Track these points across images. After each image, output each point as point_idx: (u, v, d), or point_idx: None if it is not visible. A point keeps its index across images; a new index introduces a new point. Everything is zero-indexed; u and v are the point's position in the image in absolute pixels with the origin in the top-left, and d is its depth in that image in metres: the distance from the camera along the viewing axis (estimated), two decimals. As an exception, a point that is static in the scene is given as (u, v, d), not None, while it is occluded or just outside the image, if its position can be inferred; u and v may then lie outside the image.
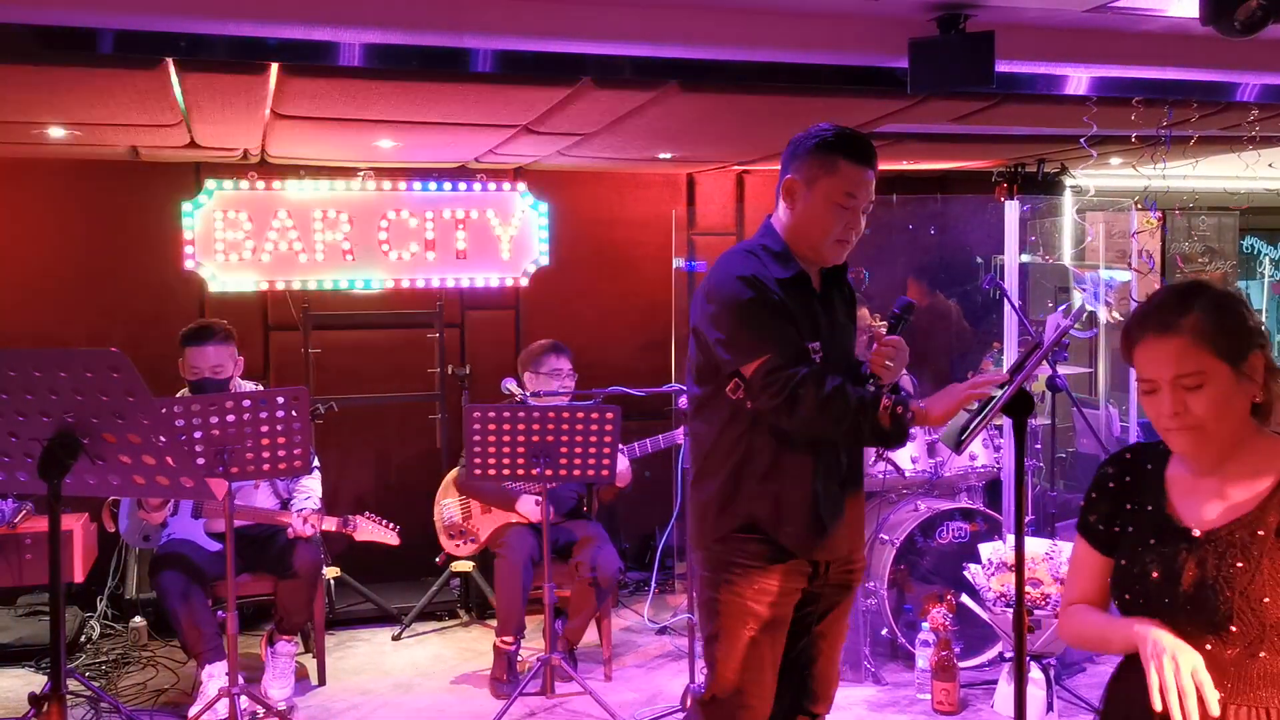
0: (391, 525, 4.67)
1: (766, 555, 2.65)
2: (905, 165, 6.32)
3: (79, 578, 4.20)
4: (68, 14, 3.29)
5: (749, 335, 2.55)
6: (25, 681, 4.73)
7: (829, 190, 2.55)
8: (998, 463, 4.92)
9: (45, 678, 4.75)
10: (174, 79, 3.75)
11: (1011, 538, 4.29)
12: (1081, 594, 2.09)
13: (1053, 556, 4.18)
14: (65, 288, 5.64)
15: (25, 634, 5.09)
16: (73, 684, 4.18)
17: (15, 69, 3.58)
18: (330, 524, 4.53)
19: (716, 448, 2.69)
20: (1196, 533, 1.92)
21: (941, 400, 2.50)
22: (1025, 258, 5.02)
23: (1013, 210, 4.71)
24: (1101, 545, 2.06)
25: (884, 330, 2.66)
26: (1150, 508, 1.99)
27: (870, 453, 4.57)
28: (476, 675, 4.78)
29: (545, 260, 5.83)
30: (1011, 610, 2.99)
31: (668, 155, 5.61)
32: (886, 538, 4.71)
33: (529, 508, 4.81)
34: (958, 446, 3.50)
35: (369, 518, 4.64)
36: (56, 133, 4.69)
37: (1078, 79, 4.17)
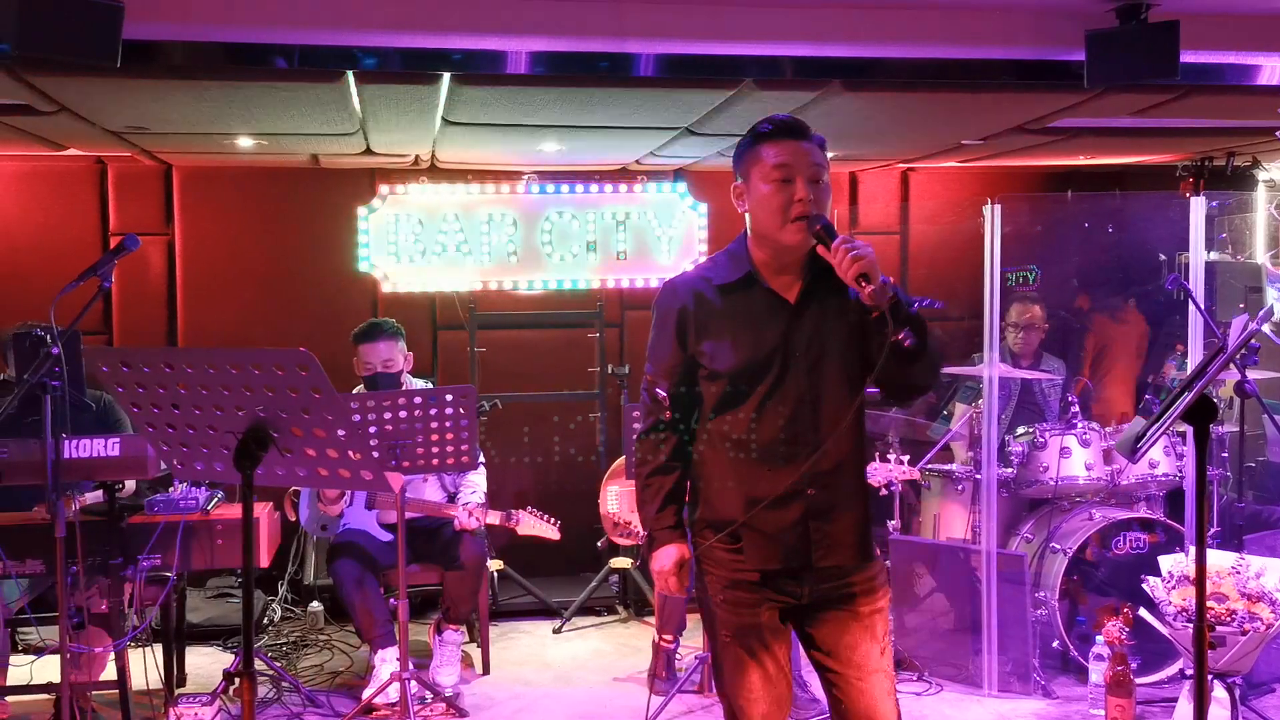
0: (553, 520, 4.76)
1: None
2: (1081, 160, 6.07)
3: (264, 563, 4.46)
4: (256, 31, 3.51)
5: (649, 343, 2.66)
6: (212, 659, 5.04)
7: (762, 175, 2.49)
8: (1179, 471, 4.67)
9: (232, 656, 5.05)
10: (353, 90, 3.93)
11: (1194, 550, 4.08)
12: None
13: (1239, 571, 3.95)
14: (249, 287, 5.97)
15: (214, 614, 5.42)
16: (257, 663, 4.42)
17: (210, 84, 3.83)
18: (494, 517, 4.66)
19: None
20: None
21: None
22: (1212, 256, 4.74)
23: (1199, 206, 4.46)
24: None
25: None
26: None
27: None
28: (635, 671, 4.83)
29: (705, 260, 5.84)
30: (1193, 626, 2.84)
31: (830, 154, 5.53)
32: (1058, 547, 4.54)
33: None
34: (1132, 454, 3.36)
35: (531, 512, 4.75)
36: (245, 143, 4.98)
37: (1271, 68, 3.94)
